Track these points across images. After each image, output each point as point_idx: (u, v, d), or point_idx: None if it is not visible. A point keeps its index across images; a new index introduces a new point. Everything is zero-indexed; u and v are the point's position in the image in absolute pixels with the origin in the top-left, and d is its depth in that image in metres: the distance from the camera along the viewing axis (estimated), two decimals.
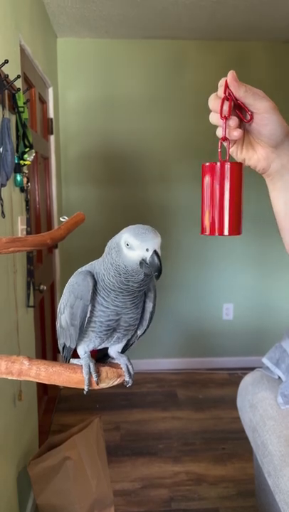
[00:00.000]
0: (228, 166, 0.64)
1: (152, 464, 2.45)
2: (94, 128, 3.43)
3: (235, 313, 3.68)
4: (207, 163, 0.67)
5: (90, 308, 0.69)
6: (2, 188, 1.58)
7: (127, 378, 0.70)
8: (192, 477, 2.34)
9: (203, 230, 0.64)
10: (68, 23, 3.03)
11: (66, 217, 0.99)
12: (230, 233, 0.61)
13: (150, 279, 0.69)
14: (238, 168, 0.64)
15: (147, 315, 0.75)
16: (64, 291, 0.74)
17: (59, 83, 3.33)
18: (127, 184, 3.50)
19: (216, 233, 0.62)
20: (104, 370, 0.68)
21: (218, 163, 0.65)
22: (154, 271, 0.65)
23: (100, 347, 0.76)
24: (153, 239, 0.65)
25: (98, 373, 0.68)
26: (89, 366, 0.68)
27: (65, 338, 0.76)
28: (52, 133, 3.05)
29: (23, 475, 1.91)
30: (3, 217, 1.57)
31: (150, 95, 3.44)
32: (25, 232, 1.95)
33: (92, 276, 0.70)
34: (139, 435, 2.73)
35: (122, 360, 0.73)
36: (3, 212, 1.56)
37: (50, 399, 2.99)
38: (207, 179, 0.66)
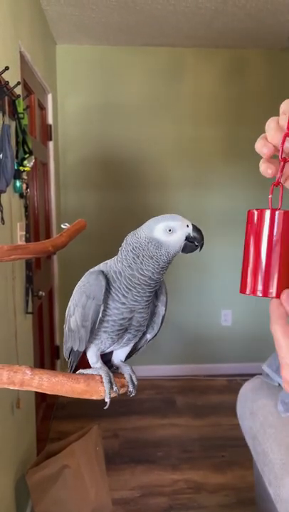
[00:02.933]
0: (280, 213, 0.53)
1: (151, 472, 2.43)
2: (93, 134, 3.43)
3: (233, 320, 3.67)
4: (255, 210, 0.56)
5: (102, 309, 0.69)
6: (2, 195, 1.57)
7: (130, 388, 0.69)
8: (191, 485, 2.32)
9: (243, 289, 0.55)
10: (67, 30, 3.04)
11: (67, 224, 0.99)
12: (277, 295, 0.52)
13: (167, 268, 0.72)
14: None
15: (159, 319, 0.77)
16: (74, 292, 0.74)
17: (58, 90, 3.34)
18: (125, 190, 3.50)
19: (259, 294, 0.53)
20: None
21: (269, 211, 0.55)
22: (198, 241, 0.70)
23: (108, 350, 0.75)
24: (183, 217, 0.71)
25: (118, 385, 0.68)
26: (109, 375, 0.67)
27: (73, 341, 0.75)
28: (51, 139, 3.05)
29: (21, 484, 1.89)
30: (3, 223, 1.57)
31: (149, 102, 3.45)
32: (24, 239, 1.94)
33: (105, 275, 0.70)
34: (138, 442, 2.71)
35: (125, 370, 0.72)
36: (2, 219, 1.55)
37: (48, 406, 2.97)
38: (254, 228, 0.56)
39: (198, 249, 0.71)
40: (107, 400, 0.67)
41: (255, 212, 0.56)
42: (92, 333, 0.71)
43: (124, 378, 0.70)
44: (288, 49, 3.45)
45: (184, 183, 3.54)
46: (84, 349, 0.74)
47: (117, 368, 0.75)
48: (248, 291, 0.54)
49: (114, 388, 0.67)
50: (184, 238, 0.69)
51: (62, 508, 1.85)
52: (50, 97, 3.00)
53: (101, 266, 0.73)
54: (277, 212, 0.53)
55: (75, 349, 0.75)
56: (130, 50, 3.38)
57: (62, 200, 3.44)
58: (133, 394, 0.70)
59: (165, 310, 0.77)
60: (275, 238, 0.53)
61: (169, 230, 0.69)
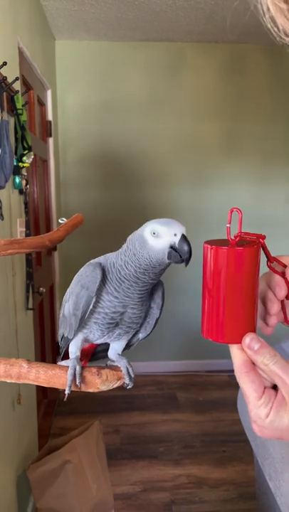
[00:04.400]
0: (239, 251, 0.48)
1: (153, 467, 2.44)
2: (92, 130, 3.43)
3: None
4: (208, 246, 0.51)
5: (94, 300, 0.69)
6: (1, 191, 1.57)
7: (127, 381, 0.69)
8: (193, 480, 2.33)
9: (202, 331, 0.51)
10: (67, 25, 3.03)
11: (65, 219, 0.99)
12: (228, 341, 0.47)
13: (163, 273, 0.69)
14: (253, 254, 0.48)
15: (153, 321, 0.77)
16: (73, 280, 0.74)
17: (57, 86, 3.33)
18: (125, 186, 3.49)
19: (213, 339, 0.49)
20: (105, 372, 0.67)
21: (222, 250, 0.49)
22: (183, 255, 0.66)
23: (98, 341, 0.75)
24: (180, 225, 0.67)
25: (83, 377, 0.67)
26: (75, 368, 0.67)
27: (64, 327, 0.76)
28: (51, 135, 3.05)
29: (23, 479, 1.90)
30: (2, 219, 1.57)
31: (148, 98, 3.44)
32: (24, 235, 1.94)
33: (102, 267, 0.70)
34: (139, 438, 2.72)
35: (122, 363, 0.72)
36: (2, 215, 1.55)
37: (50, 402, 2.98)
38: (208, 265, 0.51)
39: (184, 263, 0.67)
40: (67, 392, 0.66)
41: (208, 248, 0.50)
42: (82, 322, 0.72)
43: (121, 371, 0.70)
44: (288, 45, 3.42)
45: (183, 179, 3.53)
46: (72, 337, 0.75)
47: (114, 361, 0.75)
48: (205, 334, 0.51)
49: (77, 381, 0.66)
50: (168, 246, 0.66)
51: (64, 503, 1.86)
52: (49, 93, 3.00)
53: (101, 258, 0.73)
54: (230, 251, 0.47)
55: (65, 335, 0.76)
56: (130, 46, 3.37)
57: (63, 197, 3.44)
58: (129, 386, 0.70)
59: (160, 313, 0.76)
60: (228, 278, 0.47)
61: (154, 234, 0.66)
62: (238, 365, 0.51)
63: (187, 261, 0.66)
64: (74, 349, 0.74)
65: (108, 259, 0.72)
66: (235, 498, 2.19)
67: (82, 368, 0.68)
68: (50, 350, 2.97)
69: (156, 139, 3.47)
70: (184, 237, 0.66)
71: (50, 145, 3.06)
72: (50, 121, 3.03)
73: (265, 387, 0.50)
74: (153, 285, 0.73)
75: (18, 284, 1.88)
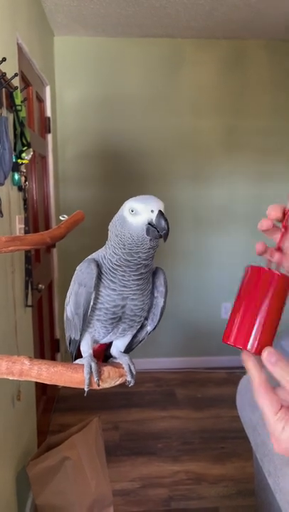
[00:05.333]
0: (277, 275, 0.55)
1: (151, 464, 2.45)
2: (91, 126, 3.42)
3: None
4: (254, 266, 0.58)
5: (93, 296, 0.69)
6: (0, 187, 1.57)
7: (129, 378, 0.69)
8: (191, 476, 2.34)
9: (225, 338, 0.59)
10: (65, 21, 3.01)
11: (66, 216, 0.99)
12: (256, 352, 0.55)
13: (155, 249, 0.69)
14: (287, 281, 0.55)
15: (158, 310, 0.76)
16: (71, 282, 0.74)
17: (56, 82, 3.31)
18: (125, 183, 3.49)
19: (239, 346, 0.56)
20: (107, 369, 0.67)
21: (266, 269, 0.57)
22: (161, 230, 0.65)
23: (105, 340, 0.75)
24: (157, 201, 0.67)
25: (100, 374, 0.67)
26: (90, 366, 0.67)
27: (70, 330, 0.75)
28: (49, 132, 3.04)
29: (22, 475, 1.90)
30: (1, 216, 1.56)
31: (148, 94, 3.43)
32: (23, 232, 1.94)
33: (96, 262, 0.70)
34: (138, 435, 2.73)
35: (124, 360, 0.72)
36: (1, 212, 1.55)
37: (49, 399, 2.98)
38: (249, 283, 0.58)
39: (163, 238, 0.67)
40: (86, 389, 0.67)
41: (253, 269, 0.58)
42: (85, 321, 0.71)
43: (123, 368, 0.70)
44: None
45: (183, 175, 3.52)
46: (79, 337, 0.74)
47: (116, 358, 0.75)
48: (230, 341, 0.58)
49: (95, 379, 0.67)
50: (146, 222, 0.66)
51: (63, 499, 1.87)
52: (48, 89, 2.98)
53: (93, 254, 0.73)
54: (275, 275, 0.55)
55: (72, 337, 0.75)
56: (129, 42, 3.35)
57: (62, 193, 3.43)
58: (131, 384, 0.70)
59: (164, 301, 0.76)
60: (266, 297, 0.55)
61: (132, 211, 0.66)
62: (257, 384, 0.55)
63: (165, 236, 0.66)
64: (86, 348, 0.74)
65: (99, 253, 0.72)
66: (234, 495, 2.20)
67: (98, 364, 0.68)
68: (49, 347, 2.97)
69: (156, 135, 3.47)
70: (160, 213, 0.66)
71: (49, 141, 3.05)
72: (48, 118, 3.01)
73: (282, 405, 0.53)
74: (152, 272, 0.72)
75: (17, 280, 1.88)
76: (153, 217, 0.66)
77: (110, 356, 0.78)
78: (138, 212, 0.66)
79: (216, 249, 3.61)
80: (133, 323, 0.73)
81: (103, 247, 0.72)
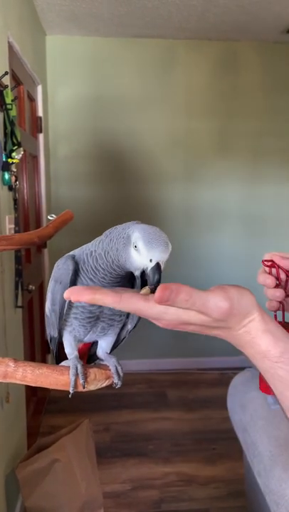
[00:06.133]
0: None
1: (142, 465, 2.44)
2: (83, 127, 3.40)
3: None
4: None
5: None
6: None
7: (116, 380, 0.68)
8: (182, 478, 2.33)
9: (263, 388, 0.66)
10: (58, 20, 3.00)
11: (54, 216, 0.97)
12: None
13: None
14: None
15: None
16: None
17: (48, 81, 3.30)
18: (117, 183, 3.48)
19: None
20: (93, 371, 0.66)
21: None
22: (150, 283, 0.62)
23: (86, 339, 0.74)
24: (161, 252, 0.63)
25: (85, 375, 0.66)
26: (76, 368, 0.66)
27: (49, 327, 0.74)
28: (41, 131, 3.02)
29: (11, 478, 1.88)
30: None
31: (140, 94, 3.42)
32: (13, 232, 1.92)
33: (74, 259, 0.69)
34: (129, 436, 2.72)
35: (110, 362, 0.71)
36: None
37: (40, 400, 2.96)
38: None
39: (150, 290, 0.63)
40: (71, 391, 0.65)
41: None
42: (61, 319, 0.71)
43: (110, 370, 0.69)
44: (281, 41, 3.43)
45: (176, 176, 3.52)
46: (57, 335, 0.74)
47: (103, 360, 0.74)
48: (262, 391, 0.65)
49: (81, 381, 0.65)
50: (141, 267, 0.63)
51: (53, 501, 1.85)
52: (39, 88, 2.97)
53: (77, 249, 0.72)
54: None
55: (52, 335, 0.74)
56: (121, 42, 3.35)
57: (53, 194, 3.41)
58: (118, 385, 0.69)
59: None
60: None
61: (135, 247, 0.64)
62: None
63: (153, 291, 0.62)
64: (70, 350, 0.73)
65: (84, 249, 0.70)
66: (224, 496, 2.20)
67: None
68: (39, 349, 2.95)
69: (148, 135, 3.46)
70: (156, 267, 0.62)
71: (40, 141, 3.03)
72: (40, 117, 3.00)
73: None
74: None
75: (6, 281, 1.86)
76: (149, 266, 0.63)
77: (95, 357, 0.77)
78: (139, 252, 0.63)
79: (207, 249, 3.61)
80: (112, 321, 0.72)
81: (92, 243, 0.70)
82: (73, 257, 0.69)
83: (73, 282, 0.68)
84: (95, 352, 0.78)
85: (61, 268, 0.69)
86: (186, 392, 3.29)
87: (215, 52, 3.44)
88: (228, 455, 2.49)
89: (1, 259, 1.77)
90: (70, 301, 0.68)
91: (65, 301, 0.68)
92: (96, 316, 0.70)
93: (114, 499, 2.18)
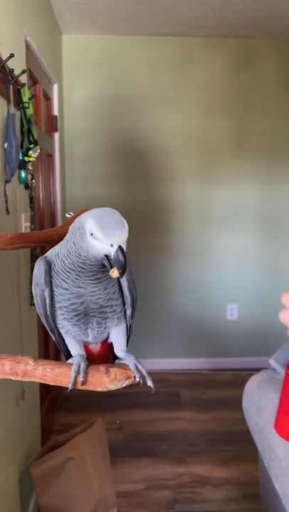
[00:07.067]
0: None
1: (156, 465, 2.43)
2: (98, 126, 3.40)
3: (239, 314, 3.65)
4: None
5: (47, 293, 0.67)
6: (6, 185, 1.55)
7: (137, 378, 0.67)
8: (196, 479, 2.31)
9: (278, 430, 0.66)
10: (74, 19, 3.00)
11: (72, 214, 0.97)
12: None
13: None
14: None
15: (126, 290, 0.72)
16: None
17: (64, 80, 3.30)
18: (131, 182, 3.47)
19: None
20: (113, 371, 0.65)
21: None
22: (118, 268, 0.61)
23: (92, 338, 0.72)
24: (119, 233, 0.61)
25: (87, 374, 0.65)
26: (79, 365, 0.65)
27: (48, 330, 0.75)
28: (56, 130, 3.03)
29: (25, 475, 1.89)
30: (8, 213, 1.55)
31: (156, 93, 3.41)
32: (29, 230, 1.92)
33: (46, 260, 0.68)
34: (142, 436, 2.71)
35: (129, 360, 0.70)
36: (7, 209, 1.53)
37: (53, 398, 2.97)
38: (285, 386, 0.67)
39: (119, 274, 0.62)
40: (70, 387, 0.65)
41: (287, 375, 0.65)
42: (48, 320, 0.70)
43: (130, 369, 0.68)
44: None
45: (191, 175, 3.50)
46: (58, 338, 0.73)
47: (122, 359, 0.73)
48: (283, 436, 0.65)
49: (81, 379, 0.65)
50: (104, 253, 0.62)
51: (66, 500, 1.85)
52: (55, 87, 2.97)
53: (50, 250, 0.71)
54: None
55: (54, 339, 0.74)
56: (137, 40, 3.34)
57: (68, 192, 3.42)
58: (149, 383, 0.68)
59: (128, 280, 0.71)
60: None
61: (91, 234, 0.62)
62: None
63: (122, 273, 0.61)
64: (74, 351, 0.73)
65: (54, 250, 0.70)
66: (238, 498, 2.18)
67: (88, 365, 0.66)
68: (53, 347, 2.96)
69: (163, 134, 3.45)
70: (119, 250, 0.60)
71: (55, 140, 3.04)
72: (56, 116, 3.00)
73: None
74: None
75: (22, 279, 1.86)
76: (111, 251, 0.61)
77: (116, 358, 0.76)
78: (97, 238, 0.61)
79: (222, 249, 3.59)
80: (105, 314, 0.70)
81: (63, 243, 0.69)
82: (45, 258, 0.69)
83: (49, 283, 0.67)
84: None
85: (36, 271, 0.69)
86: (199, 392, 3.27)
87: (231, 50, 3.41)
88: (241, 457, 2.47)
89: (17, 258, 1.78)
90: (52, 303, 0.68)
91: (44, 300, 0.67)
92: (82, 312, 0.69)
93: (127, 499, 2.18)
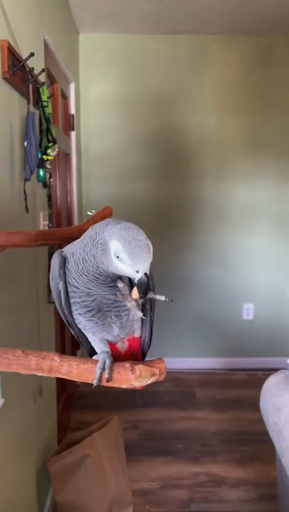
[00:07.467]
0: None
1: (171, 464, 2.42)
2: (114, 124, 3.41)
3: (255, 313, 3.62)
4: None
5: (62, 286, 0.68)
6: (26, 183, 1.57)
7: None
8: (212, 479, 2.30)
9: None
10: (91, 18, 3.01)
11: (94, 211, 0.97)
12: None
13: None
14: None
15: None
16: None
17: (80, 79, 3.31)
18: (147, 180, 3.47)
19: None
20: (138, 368, 0.65)
21: None
22: (140, 292, 0.62)
23: (115, 333, 0.72)
24: (145, 260, 0.61)
25: (112, 371, 0.66)
26: (104, 362, 0.66)
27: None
28: (73, 129, 3.04)
29: (42, 471, 1.90)
30: (27, 212, 1.56)
31: (172, 91, 3.40)
32: (47, 228, 1.94)
33: (61, 254, 0.69)
34: (157, 434, 2.71)
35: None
36: (27, 207, 1.55)
37: (69, 396, 2.99)
38: None
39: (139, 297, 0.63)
40: (95, 384, 0.65)
41: None
42: (65, 314, 0.71)
43: (155, 367, 0.68)
44: None
45: (207, 173, 3.48)
46: (75, 333, 0.74)
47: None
48: None
49: (107, 376, 0.65)
50: (127, 275, 0.63)
51: (83, 497, 1.86)
52: (72, 86, 2.99)
53: (66, 247, 0.72)
54: None
55: (72, 333, 0.75)
56: (153, 39, 3.33)
57: (84, 191, 3.44)
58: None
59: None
60: None
61: (118, 257, 0.62)
62: None
63: (142, 297, 0.62)
64: (98, 349, 0.73)
65: (69, 248, 0.70)
66: (255, 499, 2.16)
67: (114, 362, 0.67)
68: (69, 344, 2.98)
69: (179, 132, 3.44)
70: (145, 277, 0.61)
71: (72, 139, 3.05)
72: (72, 115, 3.02)
73: None
74: None
75: (40, 276, 1.88)
76: (136, 277, 0.62)
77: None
78: (122, 261, 0.62)
79: (238, 248, 3.56)
80: (123, 307, 0.70)
81: (79, 244, 0.69)
82: (61, 252, 0.70)
83: (63, 276, 0.68)
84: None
85: (52, 264, 0.70)
86: (214, 392, 3.25)
87: (248, 47, 3.38)
88: (258, 457, 2.45)
89: (35, 256, 1.79)
90: (67, 297, 0.68)
91: (59, 293, 0.69)
92: (95, 308, 0.69)
93: (143, 497, 2.18)
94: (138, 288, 0.61)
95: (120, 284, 0.65)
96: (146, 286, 0.61)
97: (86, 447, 1.87)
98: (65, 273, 0.68)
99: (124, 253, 0.61)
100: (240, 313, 3.62)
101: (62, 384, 2.80)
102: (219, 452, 2.52)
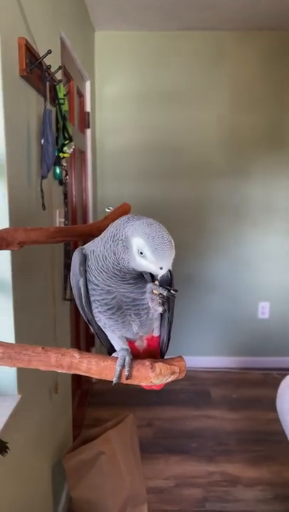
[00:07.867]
0: None
1: (185, 463, 2.42)
2: (130, 122, 3.40)
3: (271, 312, 3.58)
4: None
5: (82, 283, 0.68)
6: (43, 181, 1.57)
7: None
8: (227, 478, 2.29)
9: None
10: (106, 15, 3.01)
11: (111, 208, 0.97)
12: None
13: None
14: None
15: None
16: None
17: (96, 77, 3.32)
18: (163, 178, 3.46)
19: None
20: (158, 366, 0.64)
21: None
22: (162, 289, 0.62)
23: (135, 331, 0.72)
24: (169, 256, 0.61)
25: (132, 369, 0.66)
26: (124, 359, 0.65)
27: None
28: (89, 126, 3.04)
29: (57, 467, 1.92)
30: (44, 209, 1.57)
31: (188, 88, 3.37)
32: (63, 225, 1.94)
33: (82, 252, 0.69)
34: (172, 433, 2.70)
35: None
36: (43, 205, 1.55)
37: (84, 393, 3.00)
38: None
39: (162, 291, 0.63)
40: (115, 381, 0.65)
41: None
42: (85, 311, 0.71)
43: (175, 365, 0.67)
44: None
45: (223, 171, 3.45)
46: (94, 330, 0.74)
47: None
48: None
49: (126, 373, 0.65)
50: (150, 271, 0.63)
51: (98, 493, 1.87)
52: (88, 84, 2.99)
53: (87, 244, 0.72)
54: None
55: (91, 330, 0.75)
56: (168, 35, 3.31)
57: (100, 189, 3.44)
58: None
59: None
60: None
61: (141, 253, 0.62)
62: None
63: (164, 290, 0.62)
64: (117, 346, 0.73)
65: (90, 246, 0.70)
66: (270, 499, 2.14)
67: (133, 360, 0.66)
68: (84, 341, 2.99)
69: (196, 130, 3.41)
70: (168, 274, 0.62)
71: (88, 136, 3.06)
72: (88, 113, 3.02)
73: None
74: None
75: (56, 274, 1.89)
76: (159, 273, 0.62)
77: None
78: (146, 258, 0.61)
79: (254, 247, 3.53)
80: (142, 306, 0.70)
81: (99, 242, 0.69)
82: (82, 249, 0.70)
83: (84, 273, 0.68)
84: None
85: (73, 261, 0.70)
86: (229, 391, 3.23)
87: (265, 42, 3.33)
88: (273, 457, 2.43)
89: (52, 253, 1.80)
90: (87, 295, 0.68)
91: (80, 290, 0.69)
92: (115, 306, 0.69)
93: (157, 495, 2.18)
94: (162, 283, 0.61)
95: (152, 291, 0.65)
96: (169, 283, 0.61)
97: (101, 444, 1.88)
98: (85, 270, 0.68)
99: (148, 250, 0.60)
100: (255, 312, 3.59)
101: (78, 381, 2.81)
102: (234, 452, 2.51)
